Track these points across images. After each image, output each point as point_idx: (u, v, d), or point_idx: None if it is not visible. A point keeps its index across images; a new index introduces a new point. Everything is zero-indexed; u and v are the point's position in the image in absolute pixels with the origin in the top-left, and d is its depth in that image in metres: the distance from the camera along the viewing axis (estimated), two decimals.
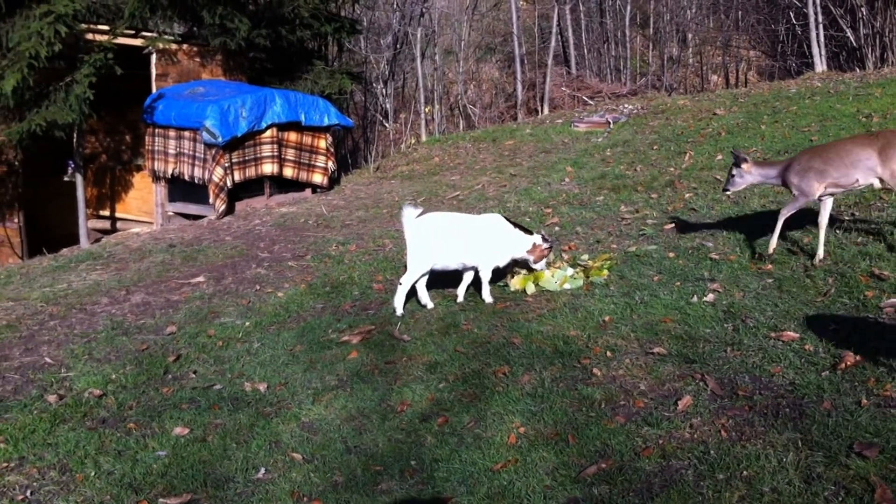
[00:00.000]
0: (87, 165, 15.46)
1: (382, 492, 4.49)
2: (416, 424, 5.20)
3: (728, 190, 7.56)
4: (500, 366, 5.84)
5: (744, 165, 7.25)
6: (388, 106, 26.38)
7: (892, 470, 3.88)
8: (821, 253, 6.86)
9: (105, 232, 15.86)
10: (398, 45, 26.31)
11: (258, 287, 8.87)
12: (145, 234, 13.40)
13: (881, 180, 6.72)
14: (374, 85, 26.73)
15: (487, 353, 6.11)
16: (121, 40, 13.44)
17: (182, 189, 14.22)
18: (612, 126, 16.60)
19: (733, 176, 7.34)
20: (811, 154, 7.09)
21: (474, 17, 31.06)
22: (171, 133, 13.85)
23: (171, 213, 14.51)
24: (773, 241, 7.07)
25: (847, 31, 21.01)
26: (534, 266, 7.48)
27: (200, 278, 9.44)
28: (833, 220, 7.44)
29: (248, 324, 7.59)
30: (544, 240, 7.40)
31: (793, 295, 6.25)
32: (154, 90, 14.52)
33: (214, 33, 15.30)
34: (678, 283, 6.97)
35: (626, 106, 19.23)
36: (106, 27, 13.49)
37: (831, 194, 6.95)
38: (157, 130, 14.08)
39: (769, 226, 7.23)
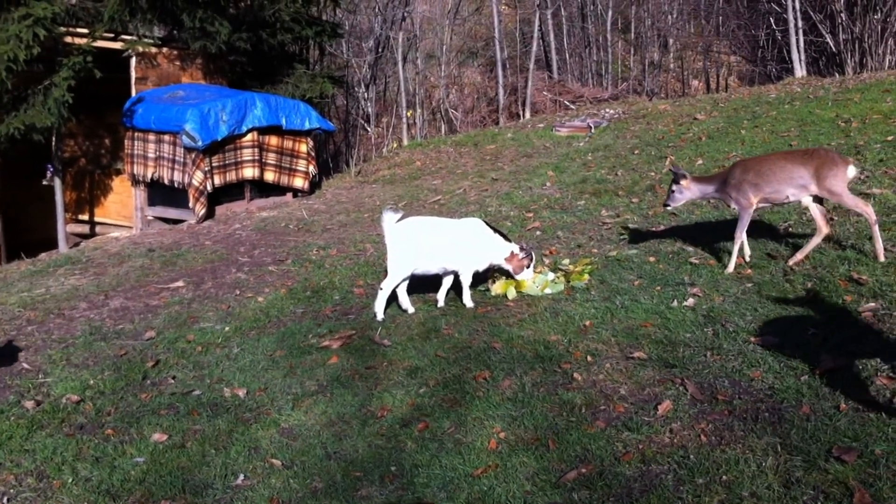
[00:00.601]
0: (66, 169, 15.40)
1: (362, 498, 4.47)
2: (397, 430, 5.17)
3: (668, 205, 7.64)
4: (480, 370, 5.83)
5: (683, 182, 7.39)
6: (369, 110, 26.36)
7: (870, 474, 3.90)
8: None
9: (84, 236, 15.78)
10: (380, 49, 26.29)
11: (238, 292, 8.83)
12: (124, 239, 13.32)
13: (815, 198, 6.88)
14: (356, 89, 26.70)
15: (468, 358, 6.10)
16: (100, 43, 13.39)
17: (162, 193, 14.16)
18: (593, 130, 16.65)
19: (673, 192, 7.46)
20: (744, 167, 7.16)
21: (456, 21, 31.09)
22: (151, 137, 13.79)
23: (150, 218, 14.44)
24: (732, 263, 7.14)
25: (826, 36, 21.17)
26: (516, 276, 7.47)
27: (180, 283, 9.38)
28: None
29: (227, 329, 7.55)
30: (522, 250, 7.40)
31: (772, 299, 6.27)
32: (134, 94, 14.47)
33: (195, 37, 15.24)
34: (658, 288, 6.99)
35: (607, 110, 19.30)
36: (85, 30, 13.45)
37: (762, 208, 7.11)
38: (136, 134, 14.02)
39: (748, 230, 7.22)
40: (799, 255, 6.97)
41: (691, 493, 4.00)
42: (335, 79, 19.37)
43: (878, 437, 4.19)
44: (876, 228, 6.65)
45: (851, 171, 6.75)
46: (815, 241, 6.97)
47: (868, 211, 6.70)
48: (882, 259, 6.59)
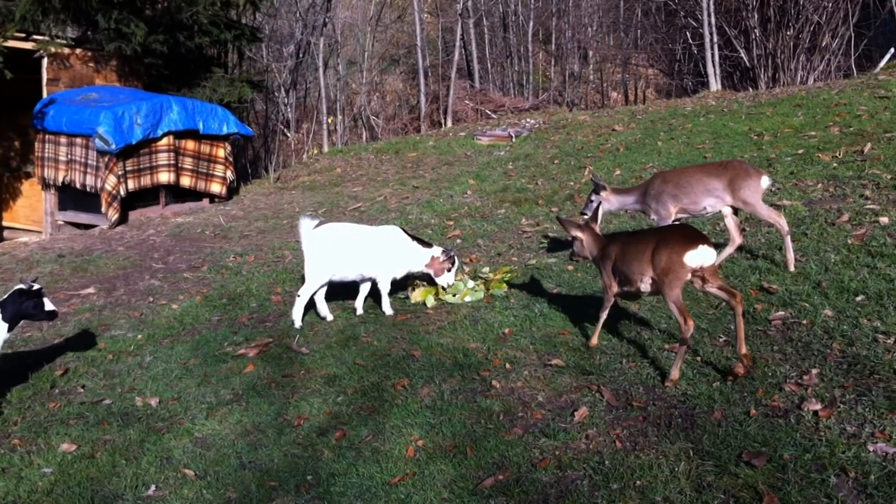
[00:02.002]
0: None
1: None
2: (313, 438, 5.11)
3: (586, 214, 7.47)
4: (399, 378, 5.80)
5: (603, 193, 7.49)
6: (289, 116, 26.13)
7: (779, 479, 3.99)
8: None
9: None
10: (301, 55, 26.09)
11: (151, 299, 8.62)
12: (33, 244, 12.91)
13: (733, 208, 7.06)
14: (276, 94, 26.45)
15: (387, 366, 6.06)
16: (11, 43, 12.98)
17: (73, 197, 13.78)
18: (514, 140, 16.77)
19: (591, 202, 7.54)
20: (663, 179, 7.36)
21: (378, 28, 31.06)
22: (63, 139, 13.42)
23: (61, 222, 14.05)
24: None
25: (741, 51, 21.75)
26: (438, 280, 7.46)
27: (90, 290, 9.12)
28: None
29: (140, 336, 7.37)
30: (444, 253, 7.40)
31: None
32: (45, 95, 14.07)
33: (109, 38, 14.90)
34: (576, 296, 7.05)
35: (528, 120, 19.48)
36: None
37: (680, 219, 7.27)
38: (47, 137, 13.62)
39: None
40: (722, 256, 7.13)
41: (606, 499, 4.04)
42: (254, 83, 19.16)
43: (786, 442, 4.30)
44: (788, 239, 6.85)
45: (765, 182, 6.96)
46: (728, 250, 7.14)
47: (781, 222, 6.89)
48: (792, 269, 6.78)
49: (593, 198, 7.52)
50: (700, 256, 5.12)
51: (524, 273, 7.94)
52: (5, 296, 6.00)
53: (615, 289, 5.74)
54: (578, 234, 6.11)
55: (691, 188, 7.11)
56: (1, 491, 4.77)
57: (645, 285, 5.46)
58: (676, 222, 7.18)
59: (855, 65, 20.54)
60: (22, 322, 6.26)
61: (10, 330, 5.91)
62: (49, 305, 6.04)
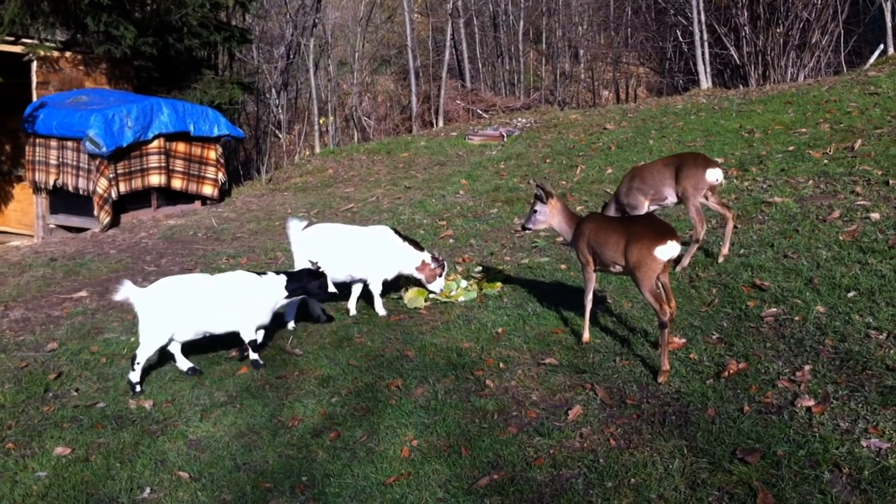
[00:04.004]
0: None
1: None
2: (308, 440, 5.10)
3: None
4: (393, 379, 5.80)
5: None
6: (281, 117, 26.07)
7: (773, 475, 4.00)
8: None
9: None
10: (291, 56, 26.04)
11: None
12: (25, 248, 12.87)
13: (711, 190, 7.24)
14: (267, 95, 26.39)
15: (381, 367, 6.06)
16: (0, 47, 12.93)
17: (65, 201, 13.74)
18: (505, 139, 16.79)
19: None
20: (633, 174, 7.66)
21: (368, 28, 31.03)
22: (53, 143, 13.38)
23: (52, 226, 14.01)
24: None
25: (731, 49, 21.80)
26: (428, 287, 7.45)
27: (83, 293, 9.10)
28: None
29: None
30: (434, 259, 7.39)
31: (679, 305, 6.39)
32: (35, 98, 14.00)
33: (99, 41, 14.86)
34: (569, 295, 7.06)
35: (519, 119, 19.50)
36: None
37: (655, 210, 7.46)
38: (38, 140, 13.58)
39: None
40: (725, 248, 7.28)
41: (601, 497, 4.04)
42: (245, 85, 19.14)
43: (780, 438, 4.31)
44: (694, 247, 7.19)
45: (711, 175, 7.11)
46: (729, 227, 7.29)
47: (699, 228, 7.10)
48: (678, 270, 7.06)
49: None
50: (670, 251, 5.29)
51: (517, 272, 7.94)
52: (294, 271, 6.67)
53: (593, 265, 5.89)
54: (553, 205, 6.22)
55: (653, 179, 7.39)
56: None
57: (617, 269, 5.70)
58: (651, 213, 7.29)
59: (845, 61, 20.60)
60: (16, 325, 6.23)
61: (287, 297, 6.50)
62: (331, 287, 6.64)
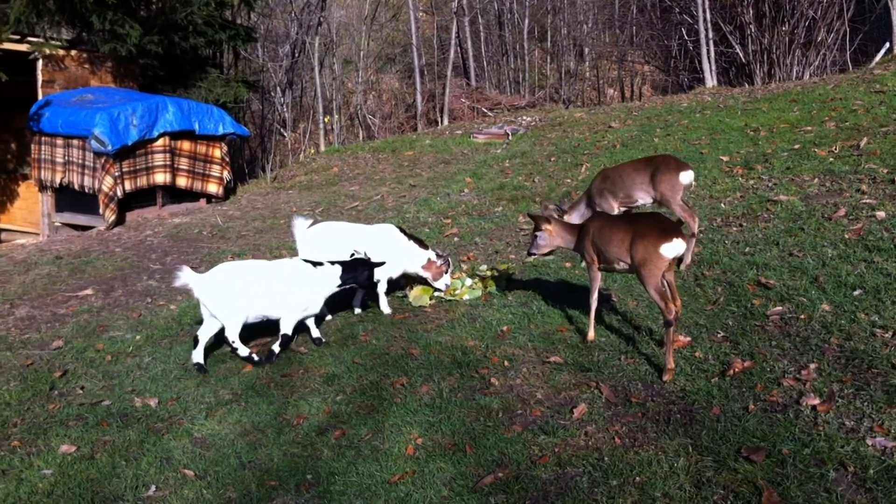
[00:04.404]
0: None
1: None
2: (313, 438, 5.11)
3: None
4: (398, 377, 5.80)
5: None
6: (286, 115, 26.07)
7: (778, 473, 4.00)
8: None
9: None
10: (296, 54, 26.03)
11: (150, 300, 8.62)
12: (31, 246, 12.89)
13: (655, 201, 7.34)
14: (272, 94, 26.39)
15: (386, 365, 6.06)
16: (5, 45, 12.99)
17: (70, 199, 13.77)
18: (510, 137, 16.78)
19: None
20: (603, 176, 7.67)
21: (373, 27, 31.02)
22: (59, 141, 13.41)
23: (58, 224, 14.04)
24: None
25: (736, 47, 21.73)
26: (434, 284, 7.45)
27: (89, 291, 9.12)
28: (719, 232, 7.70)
29: (138, 337, 7.36)
30: (439, 257, 7.39)
31: (684, 304, 6.38)
32: (40, 97, 14.04)
33: (104, 39, 14.88)
34: (574, 293, 7.06)
35: (524, 118, 19.48)
36: None
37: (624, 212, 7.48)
38: (43, 138, 13.61)
39: None
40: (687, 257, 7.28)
41: (605, 495, 4.04)
42: (250, 83, 19.15)
43: (785, 436, 4.30)
44: (692, 242, 7.13)
45: (684, 178, 7.15)
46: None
47: (691, 223, 7.11)
48: (681, 268, 7.05)
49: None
50: (675, 248, 5.30)
51: (522, 270, 7.94)
52: (347, 260, 6.80)
53: (598, 263, 5.91)
54: (549, 230, 6.29)
55: (622, 182, 7.44)
56: (1, 493, 4.76)
57: (622, 266, 5.71)
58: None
59: (850, 60, 20.50)
60: (21, 323, 6.24)
61: (339, 286, 6.66)
62: (376, 277, 6.91)
